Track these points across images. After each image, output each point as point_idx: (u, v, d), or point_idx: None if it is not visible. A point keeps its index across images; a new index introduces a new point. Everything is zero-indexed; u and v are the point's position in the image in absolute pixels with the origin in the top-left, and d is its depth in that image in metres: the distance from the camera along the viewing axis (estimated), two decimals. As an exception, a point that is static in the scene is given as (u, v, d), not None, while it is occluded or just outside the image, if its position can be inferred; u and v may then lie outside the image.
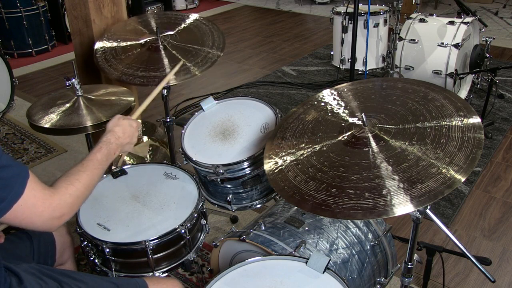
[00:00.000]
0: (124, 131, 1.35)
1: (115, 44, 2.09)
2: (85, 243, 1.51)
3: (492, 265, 2.13)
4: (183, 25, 2.17)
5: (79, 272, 1.34)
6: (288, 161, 1.26)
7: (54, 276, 1.23)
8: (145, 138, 2.52)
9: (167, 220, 1.52)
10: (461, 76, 3.31)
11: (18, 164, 1.04)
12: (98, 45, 2.10)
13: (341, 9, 3.70)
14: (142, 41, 2.07)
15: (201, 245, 1.65)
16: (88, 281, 1.26)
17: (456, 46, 3.16)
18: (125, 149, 1.39)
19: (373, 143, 1.20)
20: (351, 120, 1.32)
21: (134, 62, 1.96)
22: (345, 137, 1.25)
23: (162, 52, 1.97)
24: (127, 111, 1.85)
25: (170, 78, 1.75)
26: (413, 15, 3.45)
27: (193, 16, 2.22)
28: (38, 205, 1.04)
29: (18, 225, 1.05)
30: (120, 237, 1.46)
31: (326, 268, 1.22)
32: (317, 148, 1.26)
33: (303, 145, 1.30)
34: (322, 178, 1.16)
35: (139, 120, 1.45)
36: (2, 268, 1.12)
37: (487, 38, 3.29)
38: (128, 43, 2.09)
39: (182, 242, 1.54)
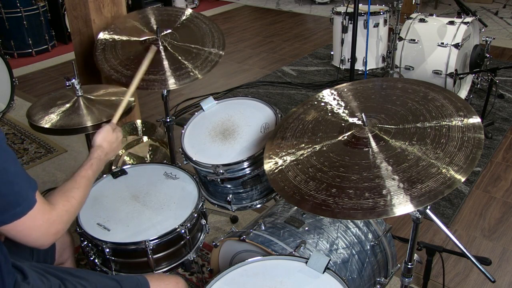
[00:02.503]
0: (111, 146, 1.39)
1: (116, 37, 2.08)
2: (85, 243, 1.51)
3: (492, 265, 2.13)
4: (182, 20, 2.15)
5: (81, 270, 1.34)
6: (288, 161, 1.26)
7: (56, 274, 1.24)
8: (145, 138, 2.52)
9: (167, 220, 1.52)
10: (461, 76, 3.31)
11: (29, 176, 1.06)
12: (100, 36, 2.08)
13: (341, 9, 3.70)
14: (142, 38, 2.07)
15: (201, 245, 1.65)
16: (89, 278, 1.27)
17: (456, 46, 3.16)
18: (109, 159, 1.42)
19: (373, 143, 1.20)
20: (351, 120, 1.32)
21: (133, 63, 1.96)
22: (345, 137, 1.25)
23: (162, 53, 1.96)
24: (127, 111, 1.85)
25: (144, 70, 1.69)
26: (413, 15, 3.45)
27: (189, 11, 2.20)
28: (38, 218, 1.05)
29: (13, 237, 1.05)
30: (120, 237, 1.46)
31: (326, 268, 1.22)
32: (317, 148, 1.26)
33: (303, 145, 1.30)
34: (322, 178, 1.16)
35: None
36: (10, 263, 1.12)
37: (487, 38, 3.29)
38: (127, 38, 2.08)
39: (182, 242, 1.54)
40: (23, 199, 1.01)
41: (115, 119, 1.51)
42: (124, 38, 2.09)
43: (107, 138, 1.38)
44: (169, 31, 2.09)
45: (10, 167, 1.00)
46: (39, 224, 1.05)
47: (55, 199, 1.13)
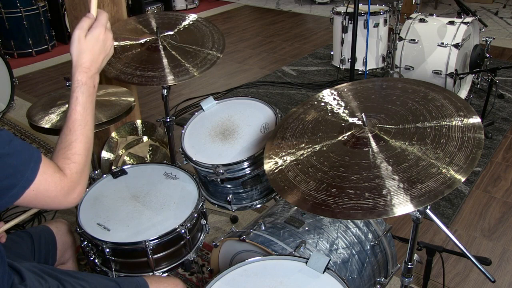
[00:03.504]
0: (92, 53, 1.10)
1: (114, 43, 2.08)
2: (85, 243, 1.51)
3: (492, 265, 2.13)
4: (183, 24, 2.16)
5: (80, 272, 1.34)
6: (288, 161, 1.26)
7: (55, 275, 1.24)
8: (145, 138, 2.52)
9: (167, 220, 1.52)
10: (461, 76, 3.31)
11: (30, 148, 1.00)
12: None
13: (341, 9, 3.70)
14: (141, 40, 2.07)
15: (201, 245, 1.65)
16: (89, 280, 1.27)
17: (456, 46, 3.16)
18: (104, 64, 1.15)
19: (373, 143, 1.20)
20: (351, 120, 1.32)
21: (133, 61, 1.96)
22: (345, 137, 1.25)
23: (162, 52, 1.97)
24: (127, 111, 1.85)
25: None
26: (413, 15, 3.45)
27: (192, 17, 2.22)
28: (50, 190, 1.01)
29: (35, 207, 1.05)
30: (120, 237, 1.46)
31: (326, 268, 1.22)
32: (317, 148, 1.26)
33: (303, 145, 1.30)
34: (322, 178, 1.16)
35: (100, 11, 1.13)
36: (6, 264, 1.12)
37: (487, 38, 3.29)
38: (128, 42, 2.08)
39: (182, 242, 1.54)
40: (19, 179, 0.96)
41: (92, 8, 1.13)
42: (123, 43, 2.09)
43: (81, 46, 1.08)
44: (170, 32, 2.09)
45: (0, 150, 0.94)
46: (54, 195, 1.01)
47: (60, 163, 1.04)
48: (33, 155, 0.99)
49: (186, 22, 2.18)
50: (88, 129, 1.09)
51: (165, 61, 1.93)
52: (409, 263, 1.32)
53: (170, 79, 1.86)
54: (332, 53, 3.99)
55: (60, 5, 5.12)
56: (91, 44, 1.09)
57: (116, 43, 2.09)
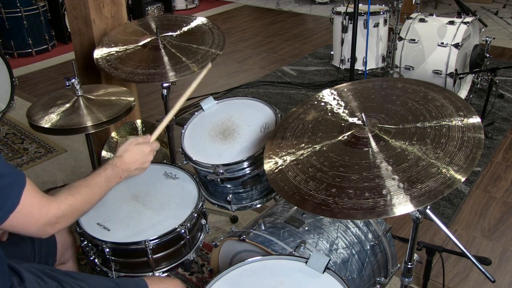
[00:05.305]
0: (132, 157, 1.36)
1: (115, 49, 2.08)
2: (85, 243, 1.51)
3: (492, 265, 2.13)
4: (183, 29, 2.16)
5: (80, 272, 1.34)
6: (288, 161, 1.26)
7: (54, 276, 1.24)
8: (145, 138, 2.52)
9: (167, 220, 1.52)
10: (461, 76, 3.31)
11: (15, 172, 1.03)
12: (96, 53, 2.08)
13: (341, 9, 3.70)
14: (142, 42, 2.07)
15: (201, 245, 1.65)
16: (88, 280, 1.27)
17: (456, 46, 3.16)
18: (134, 173, 1.39)
19: (373, 143, 1.20)
20: (351, 120, 1.32)
21: (134, 61, 1.96)
22: (345, 137, 1.25)
23: (162, 50, 1.97)
24: (127, 111, 1.85)
25: (192, 91, 1.64)
26: (413, 15, 3.45)
27: (199, 20, 2.21)
28: (34, 213, 1.05)
29: (12, 231, 1.07)
30: (120, 237, 1.46)
31: (326, 268, 1.22)
32: (317, 148, 1.26)
33: (303, 145, 1.30)
34: (322, 178, 1.16)
35: (155, 140, 1.46)
36: (5, 265, 1.12)
37: (487, 38, 3.29)
38: (129, 45, 2.08)
39: (182, 242, 1.54)
40: (4, 203, 0.99)
41: (153, 137, 1.46)
42: (125, 44, 2.09)
43: (129, 149, 1.36)
44: (170, 33, 2.09)
45: None
46: (36, 218, 1.06)
47: (59, 193, 1.13)
48: (18, 179, 1.03)
49: (191, 25, 2.18)
50: (98, 190, 1.25)
51: (165, 58, 1.94)
52: (409, 263, 1.32)
53: (172, 75, 1.87)
54: (332, 53, 3.98)
55: (60, 5, 5.12)
56: (136, 152, 1.37)
57: (116, 49, 2.09)
